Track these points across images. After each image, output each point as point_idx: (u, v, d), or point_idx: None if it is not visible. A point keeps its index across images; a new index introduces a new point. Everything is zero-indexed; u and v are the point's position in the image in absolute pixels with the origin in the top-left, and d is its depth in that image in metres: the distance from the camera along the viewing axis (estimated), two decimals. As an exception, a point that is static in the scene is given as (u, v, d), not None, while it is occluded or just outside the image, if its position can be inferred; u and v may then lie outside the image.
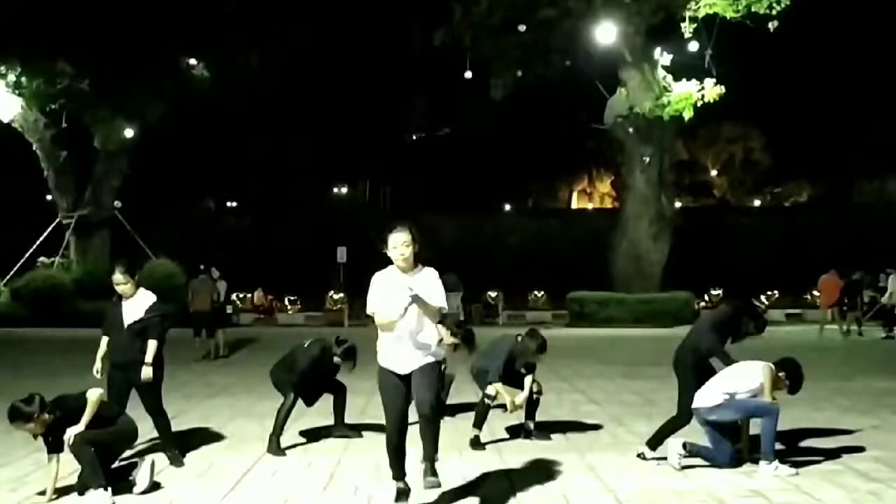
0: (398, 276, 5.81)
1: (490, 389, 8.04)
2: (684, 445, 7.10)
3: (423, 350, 5.83)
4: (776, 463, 6.94)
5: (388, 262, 5.93)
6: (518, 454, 7.70)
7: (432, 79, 39.87)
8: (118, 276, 7.25)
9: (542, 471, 7.12)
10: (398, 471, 5.93)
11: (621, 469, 7.16)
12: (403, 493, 5.91)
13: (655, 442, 7.42)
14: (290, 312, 30.49)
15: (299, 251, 36.86)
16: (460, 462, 7.39)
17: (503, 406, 8.10)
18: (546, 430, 8.50)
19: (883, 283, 22.62)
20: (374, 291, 5.87)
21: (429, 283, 5.81)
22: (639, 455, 7.45)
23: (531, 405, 8.33)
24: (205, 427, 8.94)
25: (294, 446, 8.08)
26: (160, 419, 7.51)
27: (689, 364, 7.44)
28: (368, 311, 5.90)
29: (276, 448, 7.80)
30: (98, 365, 7.47)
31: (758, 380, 7.04)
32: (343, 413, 8.57)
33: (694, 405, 7.18)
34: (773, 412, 6.96)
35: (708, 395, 7.12)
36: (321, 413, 8.75)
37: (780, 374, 7.15)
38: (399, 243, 5.73)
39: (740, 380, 7.10)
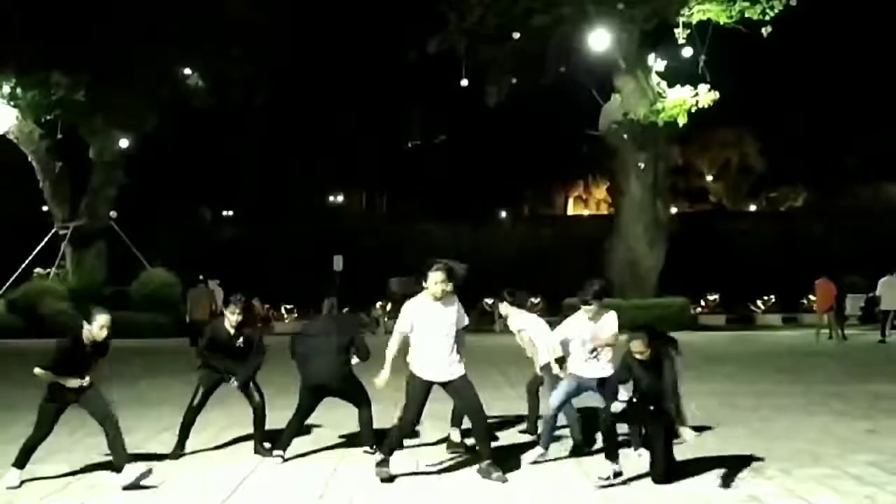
0: (431, 303, 7.03)
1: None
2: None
3: (454, 362, 7.05)
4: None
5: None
6: (515, 461, 7.69)
7: (428, 86, 39.94)
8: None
9: (538, 477, 7.14)
10: (398, 449, 7.16)
11: (618, 476, 7.15)
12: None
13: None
14: (286, 321, 30.45)
15: (295, 260, 36.85)
16: (457, 467, 7.42)
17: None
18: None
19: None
20: (405, 319, 7.09)
21: (459, 309, 7.28)
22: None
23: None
24: (202, 436, 8.92)
25: (290, 455, 8.06)
26: None
27: None
28: (398, 329, 7.12)
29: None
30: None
31: None
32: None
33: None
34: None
35: None
36: (321, 420, 8.74)
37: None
38: (439, 280, 6.94)
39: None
